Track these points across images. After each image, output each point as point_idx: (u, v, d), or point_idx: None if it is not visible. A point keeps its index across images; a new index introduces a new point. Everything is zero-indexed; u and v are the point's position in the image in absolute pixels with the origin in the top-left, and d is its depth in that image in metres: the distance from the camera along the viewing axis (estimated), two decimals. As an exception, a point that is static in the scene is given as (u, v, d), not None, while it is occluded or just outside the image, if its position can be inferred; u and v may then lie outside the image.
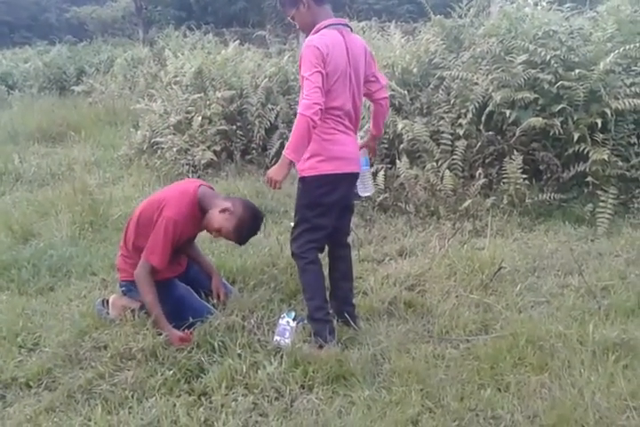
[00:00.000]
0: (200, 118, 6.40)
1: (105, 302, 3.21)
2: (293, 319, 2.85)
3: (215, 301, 3.14)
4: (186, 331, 2.82)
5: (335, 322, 2.92)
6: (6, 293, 3.57)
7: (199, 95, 6.74)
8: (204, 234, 4.20)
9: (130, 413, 2.39)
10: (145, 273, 2.91)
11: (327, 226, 2.85)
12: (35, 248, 4.15)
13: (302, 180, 2.79)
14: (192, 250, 3.32)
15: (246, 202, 3.12)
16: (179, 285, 3.13)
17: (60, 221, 4.67)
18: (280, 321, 2.87)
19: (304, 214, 2.83)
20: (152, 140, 6.72)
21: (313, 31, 2.71)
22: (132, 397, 2.47)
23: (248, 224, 2.99)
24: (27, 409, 2.45)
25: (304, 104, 2.55)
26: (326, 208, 2.81)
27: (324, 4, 2.76)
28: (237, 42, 9.16)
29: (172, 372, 2.59)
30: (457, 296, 3.33)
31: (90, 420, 2.37)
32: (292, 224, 2.94)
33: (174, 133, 6.52)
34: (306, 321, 2.91)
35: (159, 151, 6.55)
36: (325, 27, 2.70)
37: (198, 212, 2.98)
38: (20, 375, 2.66)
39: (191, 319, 2.89)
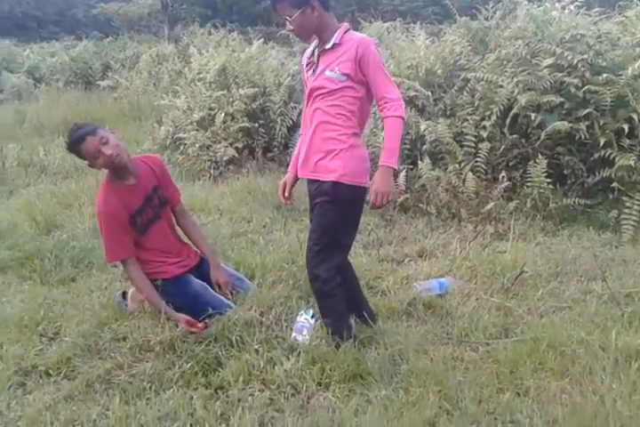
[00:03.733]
0: (223, 115, 6.44)
1: (124, 295, 3.23)
2: (312, 317, 2.83)
3: (227, 293, 3.11)
4: (203, 322, 2.81)
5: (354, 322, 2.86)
6: (29, 282, 3.62)
7: (222, 92, 6.76)
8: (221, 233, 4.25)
9: (147, 404, 2.40)
10: (126, 270, 2.99)
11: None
12: (57, 239, 4.20)
13: (342, 188, 2.54)
14: (191, 234, 3.30)
15: None
16: (193, 281, 3.08)
17: (82, 213, 4.73)
18: (298, 318, 2.85)
19: (338, 234, 2.64)
20: (175, 136, 6.77)
21: (341, 31, 2.54)
22: (150, 388, 2.48)
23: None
24: (46, 397, 2.47)
25: (402, 107, 2.46)
26: (357, 227, 2.75)
27: (330, 10, 2.59)
28: (261, 40, 9.21)
29: (189, 365, 2.60)
30: (477, 299, 3.29)
31: (107, 409, 2.39)
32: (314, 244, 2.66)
33: (197, 130, 6.56)
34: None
35: (182, 147, 6.59)
36: (348, 30, 2.58)
37: (116, 183, 2.96)
38: (40, 364, 2.69)
39: (210, 310, 2.87)
